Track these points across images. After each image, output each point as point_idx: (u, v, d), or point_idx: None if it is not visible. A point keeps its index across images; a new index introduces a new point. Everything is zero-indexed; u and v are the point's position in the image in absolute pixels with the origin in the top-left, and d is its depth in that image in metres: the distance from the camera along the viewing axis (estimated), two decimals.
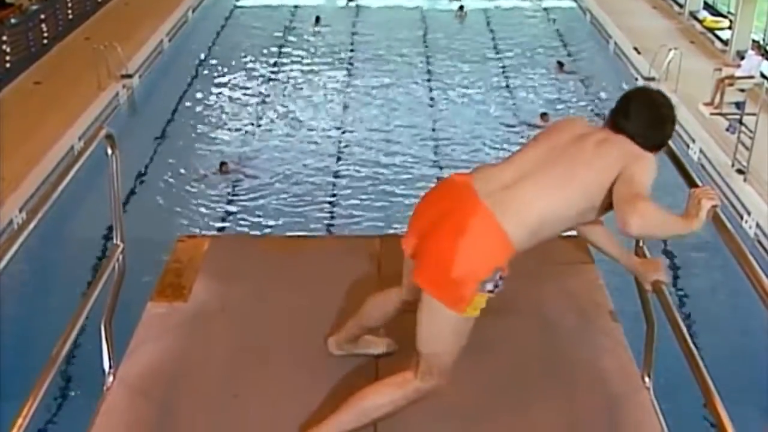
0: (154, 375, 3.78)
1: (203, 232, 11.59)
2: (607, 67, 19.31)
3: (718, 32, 19.52)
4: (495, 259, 3.04)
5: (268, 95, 17.83)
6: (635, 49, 18.76)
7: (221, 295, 4.35)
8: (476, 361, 3.60)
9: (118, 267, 3.76)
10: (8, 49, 16.16)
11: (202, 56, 19.97)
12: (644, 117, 3.24)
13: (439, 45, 20.88)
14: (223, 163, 14.03)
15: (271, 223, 12.41)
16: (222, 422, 3.50)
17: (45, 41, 17.78)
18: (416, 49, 20.57)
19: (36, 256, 10.08)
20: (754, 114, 12.96)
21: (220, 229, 12.30)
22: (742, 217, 12.04)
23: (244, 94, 17.90)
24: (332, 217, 12.71)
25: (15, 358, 7.69)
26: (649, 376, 3.70)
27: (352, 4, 24.11)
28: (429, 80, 18.60)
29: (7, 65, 16.10)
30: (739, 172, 12.75)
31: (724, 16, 20.17)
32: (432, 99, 17.59)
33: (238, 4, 24.06)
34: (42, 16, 17.74)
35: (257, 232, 12.06)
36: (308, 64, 19.61)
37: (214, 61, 19.68)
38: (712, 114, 15.09)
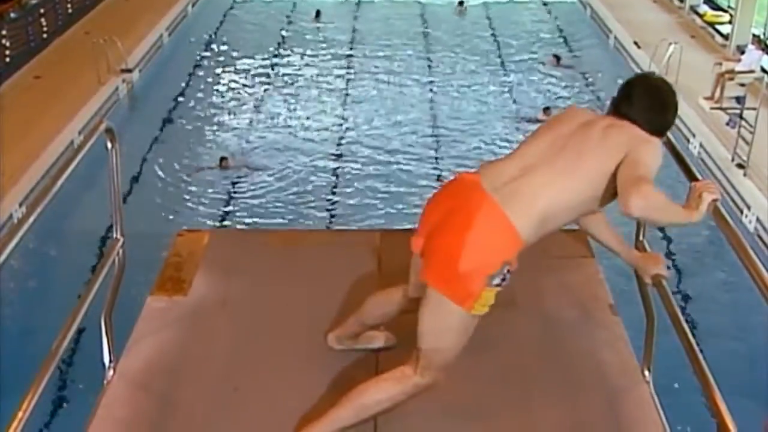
0: (154, 369, 3.78)
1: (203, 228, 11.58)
2: (607, 61, 19.29)
3: (718, 26, 19.49)
4: (503, 253, 3.04)
5: (268, 90, 17.81)
6: (635, 43, 18.73)
7: (221, 289, 4.35)
8: (476, 355, 3.60)
9: (118, 261, 3.76)
10: (8, 44, 16.13)
11: (202, 51, 19.95)
12: (647, 102, 3.24)
13: (439, 40, 20.85)
14: (223, 158, 14.02)
15: (272, 218, 12.40)
16: (222, 416, 3.50)
17: (45, 35, 17.75)
18: (416, 45, 20.54)
19: (36, 250, 10.09)
20: (754, 108, 12.95)
21: (221, 224, 12.30)
22: (742, 212, 12.04)
23: (244, 89, 17.88)
24: (332, 214, 12.69)
25: (15, 352, 7.69)
26: (648, 370, 3.71)
27: None
28: (429, 75, 18.58)
29: (7, 59, 16.07)
30: (739, 166, 12.74)
31: (725, 11, 20.14)
32: (432, 94, 17.57)
33: None
34: (41, 11, 17.70)
35: (257, 227, 12.05)
36: (308, 59, 19.59)
37: (213, 56, 19.66)
38: (712, 108, 15.07)
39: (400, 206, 12.75)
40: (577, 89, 17.83)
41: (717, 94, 15.28)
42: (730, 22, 18.96)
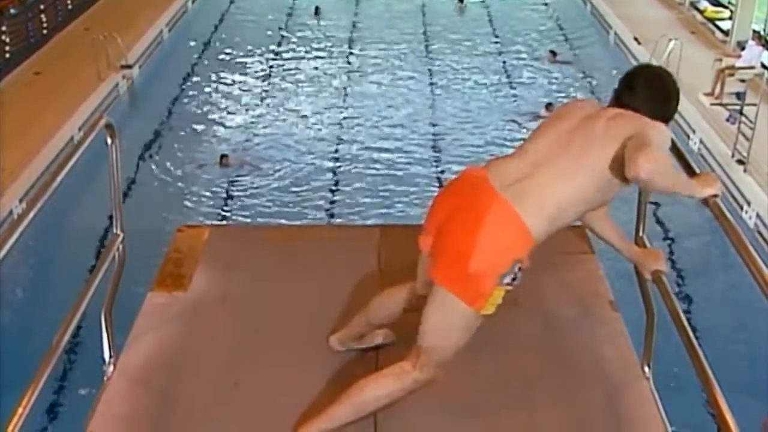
0: (154, 364, 3.78)
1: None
2: (607, 57, 19.28)
3: (718, 22, 19.49)
4: (514, 252, 3.03)
5: (268, 86, 17.81)
6: (635, 39, 18.73)
7: (221, 285, 4.35)
8: (476, 351, 3.60)
9: (118, 256, 3.76)
10: (8, 40, 16.12)
11: (202, 47, 19.94)
12: (650, 92, 3.23)
13: (439, 36, 20.84)
14: (223, 156, 14.01)
15: (272, 216, 12.38)
16: (222, 411, 3.51)
17: (44, 31, 17.75)
18: (416, 41, 20.53)
19: (36, 246, 10.09)
20: (754, 104, 12.95)
21: (221, 221, 12.30)
22: (742, 208, 12.04)
23: (244, 85, 17.87)
24: (332, 211, 12.69)
25: (15, 348, 7.70)
26: (648, 366, 3.71)
27: None
28: (429, 71, 18.57)
29: (7, 55, 16.07)
30: (739, 162, 12.75)
31: (725, 7, 20.13)
32: (432, 90, 17.56)
33: None
34: (41, 7, 17.70)
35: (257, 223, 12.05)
36: (308, 55, 19.58)
37: (213, 52, 19.65)
38: (712, 104, 15.07)
39: (400, 202, 12.75)
40: (578, 85, 17.82)
41: (717, 90, 15.28)
42: (730, 18, 18.96)
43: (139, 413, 3.50)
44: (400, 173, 13.80)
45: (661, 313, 3.44)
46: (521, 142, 3.31)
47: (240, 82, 18.05)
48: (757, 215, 11.75)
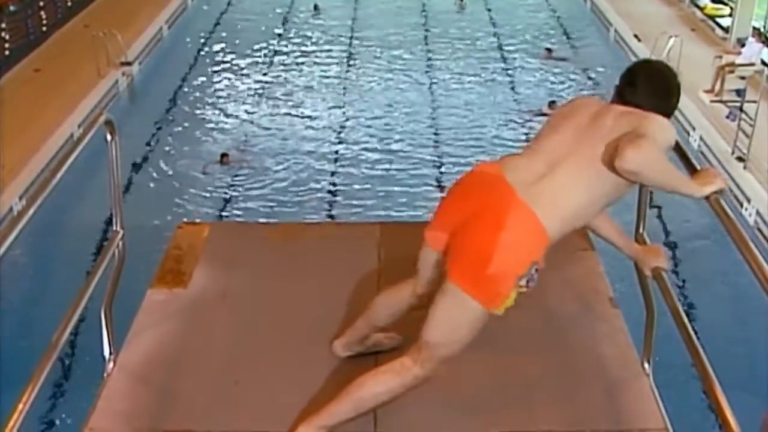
0: (154, 361, 3.78)
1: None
2: (607, 54, 19.27)
3: (718, 19, 19.49)
4: (532, 254, 3.03)
5: (268, 83, 17.80)
6: (636, 36, 18.72)
7: (221, 282, 4.35)
8: (476, 348, 3.60)
9: (118, 253, 3.76)
10: (7, 37, 16.12)
11: (202, 44, 19.94)
12: (651, 88, 3.23)
13: (438, 34, 20.83)
14: (223, 155, 13.99)
15: (272, 215, 12.36)
16: (222, 408, 3.51)
17: (44, 28, 17.75)
18: (416, 38, 20.52)
19: (36, 243, 10.09)
20: (754, 101, 12.96)
21: (220, 217, 12.30)
22: (742, 205, 12.04)
23: (244, 82, 17.87)
24: (332, 209, 12.68)
25: (15, 345, 7.70)
26: (648, 363, 3.71)
27: None
28: (429, 69, 18.57)
29: (7, 53, 16.07)
30: (739, 159, 12.75)
31: (725, 3, 20.13)
32: (432, 87, 17.56)
33: None
34: (41, 3, 17.70)
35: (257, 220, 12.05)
36: (308, 52, 19.57)
37: (213, 49, 19.65)
38: (712, 101, 15.07)
39: (401, 200, 12.75)
40: (578, 83, 17.82)
41: (717, 87, 15.29)
42: (730, 15, 18.96)
43: (139, 410, 3.50)
44: (401, 169, 13.79)
45: (662, 309, 3.45)
46: (523, 138, 3.31)
47: (239, 79, 18.04)
48: (757, 212, 11.75)
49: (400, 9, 22.69)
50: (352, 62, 19.05)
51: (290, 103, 16.73)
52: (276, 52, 19.57)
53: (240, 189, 13.25)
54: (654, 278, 3.47)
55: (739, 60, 16.03)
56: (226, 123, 15.84)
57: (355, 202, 12.77)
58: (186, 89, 17.31)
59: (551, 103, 15.72)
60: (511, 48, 19.85)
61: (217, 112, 16.32)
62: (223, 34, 20.59)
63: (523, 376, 3.69)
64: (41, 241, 10.22)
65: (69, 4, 19.11)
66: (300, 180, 13.50)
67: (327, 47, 19.94)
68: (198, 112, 16.25)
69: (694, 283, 10.42)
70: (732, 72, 15.44)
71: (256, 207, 12.63)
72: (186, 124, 15.64)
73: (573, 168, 3.08)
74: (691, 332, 3.15)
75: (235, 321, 4.07)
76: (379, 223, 5.18)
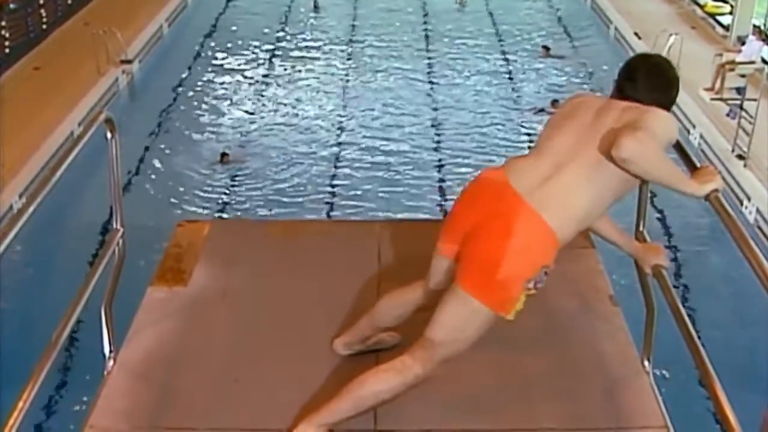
0: (154, 359, 3.78)
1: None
2: (607, 52, 19.25)
3: (719, 17, 19.47)
4: (542, 258, 3.06)
5: (268, 81, 17.80)
6: (636, 34, 18.71)
7: (221, 280, 4.35)
8: (475, 346, 3.60)
9: (118, 251, 3.76)
10: (7, 35, 16.11)
11: (202, 42, 19.93)
12: (651, 82, 3.25)
13: (439, 32, 20.81)
14: (224, 154, 13.98)
15: (273, 215, 12.35)
16: (222, 406, 3.51)
17: (44, 26, 17.74)
18: (417, 37, 20.50)
19: (36, 241, 10.08)
20: (754, 99, 12.95)
21: (220, 215, 12.30)
22: (742, 203, 12.04)
23: (244, 80, 17.86)
24: (332, 208, 12.67)
25: (15, 343, 7.70)
26: (648, 360, 3.71)
27: None
28: (429, 67, 18.55)
29: (7, 51, 16.06)
30: (740, 157, 12.74)
31: (725, 1, 20.11)
32: (432, 86, 17.55)
33: None
34: (41, 1, 17.68)
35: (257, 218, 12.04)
36: (308, 50, 19.56)
37: (213, 47, 19.63)
38: (712, 99, 15.07)
39: (401, 198, 12.75)
40: (578, 80, 17.81)
41: (717, 85, 15.28)
42: (730, 13, 18.94)
43: (139, 408, 3.50)
44: (401, 167, 13.78)
45: (662, 307, 3.45)
46: (524, 136, 3.32)
47: (240, 77, 18.03)
48: (757, 210, 11.75)
49: (400, 7, 22.65)
50: (352, 60, 19.03)
51: (290, 101, 16.72)
52: (276, 50, 19.56)
53: (240, 188, 13.24)
54: (654, 276, 3.47)
55: (739, 58, 16.02)
56: (226, 121, 15.83)
57: (355, 201, 12.76)
58: (186, 87, 17.30)
59: (554, 102, 15.70)
60: (511, 46, 19.83)
61: (217, 110, 16.31)
62: (223, 33, 20.57)
63: (523, 373, 3.69)
64: (41, 239, 10.21)
65: (69, 2, 19.11)
66: (300, 178, 13.49)
67: (327, 45, 19.92)
68: (198, 110, 16.24)
69: (693, 282, 10.42)
70: (732, 70, 15.43)
71: (256, 205, 12.63)
72: (186, 122, 15.63)
73: (579, 168, 3.08)
74: (691, 330, 3.15)
75: (235, 319, 4.07)
76: (380, 221, 5.19)
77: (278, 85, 17.61)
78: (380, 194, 12.94)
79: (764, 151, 12.45)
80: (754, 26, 17.28)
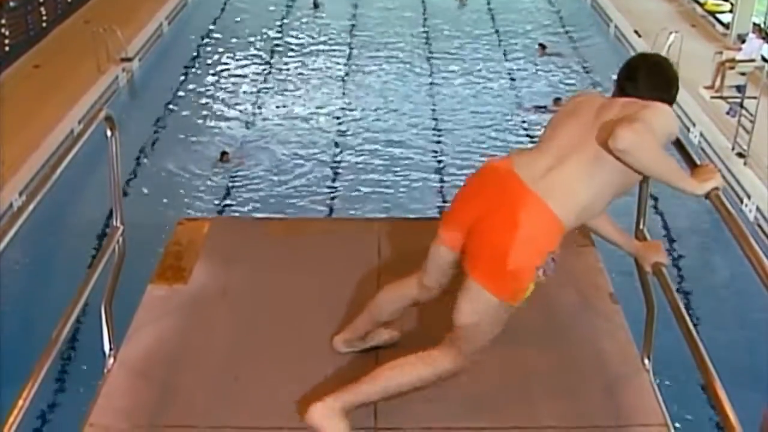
0: (154, 357, 3.78)
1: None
2: (607, 50, 19.25)
3: (719, 15, 19.46)
4: (548, 245, 3.07)
5: (268, 79, 17.79)
6: (636, 32, 18.70)
7: (221, 278, 4.35)
8: None
9: (118, 249, 3.76)
10: (7, 33, 16.10)
11: (202, 40, 19.92)
12: (652, 82, 3.27)
13: (439, 29, 20.80)
14: (223, 153, 13.96)
15: (272, 213, 12.34)
16: (222, 404, 3.51)
17: (44, 24, 17.72)
18: (417, 36, 20.49)
19: (37, 238, 10.09)
20: (754, 97, 12.94)
21: (220, 213, 12.29)
22: (742, 201, 12.03)
23: (244, 78, 17.85)
24: (332, 207, 12.66)
25: (15, 341, 7.70)
26: (648, 359, 3.71)
27: None
28: (429, 66, 18.54)
29: (6, 49, 16.05)
30: (740, 155, 12.74)
31: None
32: (432, 85, 17.54)
33: None
34: (41, 0, 17.68)
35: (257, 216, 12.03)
36: (308, 48, 19.55)
37: (213, 45, 19.62)
38: (712, 97, 15.06)
39: (401, 196, 12.75)
40: (579, 79, 17.80)
41: (717, 83, 15.27)
42: (730, 11, 18.93)
43: (139, 406, 3.50)
44: (402, 165, 13.78)
45: (662, 305, 3.45)
46: (525, 134, 3.33)
47: (240, 75, 18.02)
48: (757, 208, 11.75)
49: (401, 5, 22.62)
50: (352, 58, 19.02)
51: (290, 100, 16.71)
52: (276, 49, 19.55)
53: (240, 187, 13.23)
54: (654, 274, 3.47)
55: (739, 56, 16.01)
56: (226, 119, 15.82)
57: (355, 200, 12.76)
58: (186, 85, 17.29)
59: (556, 100, 15.70)
60: (511, 44, 19.82)
61: (217, 108, 16.30)
62: (223, 31, 20.55)
63: (523, 371, 3.69)
64: (41, 237, 10.21)
65: (69, 0, 19.10)
66: (300, 177, 13.48)
67: (327, 43, 19.90)
68: (198, 108, 16.23)
69: (694, 280, 10.42)
70: (732, 68, 15.42)
71: (256, 204, 12.62)
72: (186, 120, 15.62)
73: (580, 160, 3.10)
74: (691, 328, 3.15)
75: (235, 317, 4.07)
76: (379, 219, 5.19)
77: (278, 84, 17.59)
78: (380, 193, 12.93)
79: (764, 150, 12.44)
80: (754, 24, 17.26)
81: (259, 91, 17.16)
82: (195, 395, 3.57)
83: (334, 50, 19.48)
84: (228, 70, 18.22)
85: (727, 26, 18.59)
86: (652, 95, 3.21)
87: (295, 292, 4.24)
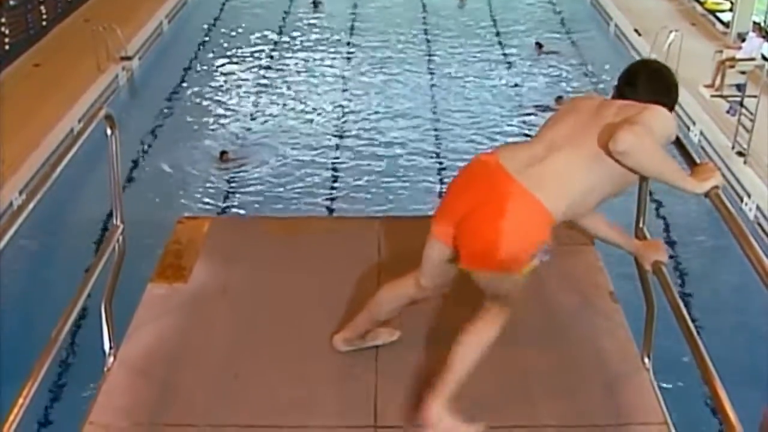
0: (154, 356, 3.78)
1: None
2: (607, 49, 19.25)
3: (719, 14, 19.44)
4: (539, 235, 3.09)
5: (268, 78, 17.78)
6: (636, 30, 18.70)
7: (221, 276, 4.35)
8: None
9: (118, 248, 3.76)
10: (7, 31, 16.09)
11: (202, 39, 19.91)
12: (651, 87, 3.28)
13: (440, 30, 20.79)
14: (223, 152, 13.95)
15: (272, 213, 12.32)
16: (222, 403, 3.51)
17: (44, 23, 17.71)
18: (417, 35, 20.48)
19: (37, 237, 10.09)
20: (754, 96, 12.93)
21: (221, 212, 12.29)
22: (742, 200, 12.03)
23: (244, 77, 17.84)
24: (332, 206, 12.65)
25: (15, 339, 7.70)
26: (648, 357, 3.71)
27: None
28: (429, 65, 18.53)
29: (6, 47, 16.04)
30: (740, 154, 12.73)
31: None
32: (432, 84, 17.53)
33: None
34: None
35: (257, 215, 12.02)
36: (308, 47, 19.55)
37: (213, 44, 19.61)
38: (712, 96, 15.05)
39: (401, 195, 12.74)
40: (579, 77, 17.79)
41: (717, 82, 15.26)
42: (731, 10, 18.92)
43: (139, 404, 3.51)
44: (400, 164, 13.78)
45: (662, 304, 3.45)
46: (525, 133, 3.35)
47: (240, 74, 18.00)
48: (757, 207, 11.74)
49: (401, 5, 22.62)
50: (352, 58, 19.01)
51: (290, 99, 16.70)
52: (276, 47, 19.54)
53: (240, 186, 13.23)
54: (654, 273, 3.47)
55: (739, 55, 16.00)
56: (226, 118, 15.81)
57: (355, 199, 12.75)
58: (186, 84, 17.28)
59: (558, 98, 15.69)
60: (511, 42, 19.81)
61: (217, 107, 16.29)
62: (223, 30, 20.54)
63: (523, 370, 3.69)
64: (41, 235, 10.21)
65: None
66: (300, 176, 13.47)
67: (327, 43, 19.90)
68: (198, 106, 16.22)
69: (693, 278, 10.42)
70: (732, 67, 15.41)
71: (256, 203, 12.61)
72: (186, 119, 15.61)
73: (574, 152, 3.12)
74: (691, 326, 3.15)
75: (235, 315, 4.07)
76: (379, 218, 5.19)
77: (278, 82, 17.57)
78: (380, 191, 12.92)
79: (764, 148, 12.44)
80: (754, 23, 17.24)
81: (258, 91, 17.15)
82: (195, 394, 3.57)
83: (333, 50, 19.47)
84: (228, 69, 18.21)
85: (727, 25, 18.58)
86: (652, 98, 3.22)
87: (295, 290, 4.24)
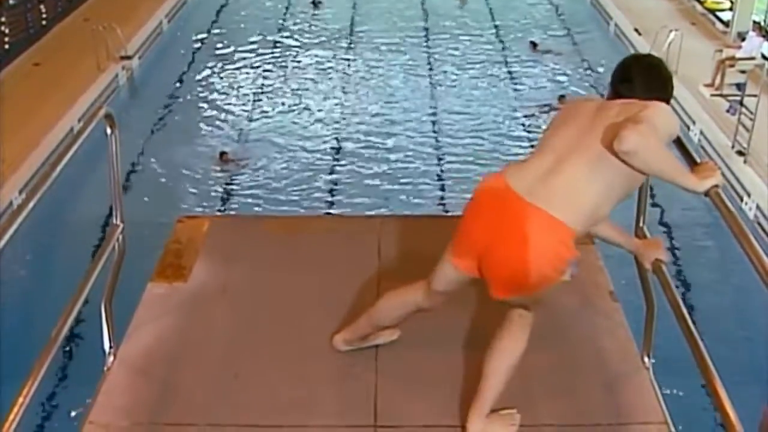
0: (154, 355, 3.78)
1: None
2: (607, 48, 19.24)
3: (719, 13, 19.44)
4: (565, 252, 3.08)
5: (268, 78, 17.77)
6: (636, 30, 18.69)
7: (221, 276, 4.35)
8: (475, 342, 3.61)
9: (118, 247, 3.76)
10: (7, 31, 16.08)
11: (202, 38, 19.91)
12: (647, 83, 3.26)
13: (438, 27, 20.79)
14: (223, 153, 13.93)
15: (272, 212, 12.32)
16: (222, 402, 3.51)
17: (44, 22, 17.70)
18: (417, 34, 20.47)
19: (36, 236, 10.09)
20: (754, 95, 12.93)
21: (221, 211, 12.29)
22: (741, 199, 12.03)
23: (244, 77, 17.84)
24: (332, 205, 12.65)
25: (15, 338, 7.70)
26: (648, 356, 3.71)
27: None
28: (429, 64, 18.52)
29: (6, 46, 16.03)
30: (740, 153, 12.73)
31: None
32: (432, 84, 17.52)
33: None
34: None
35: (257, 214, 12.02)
36: (308, 47, 19.54)
37: (213, 43, 19.60)
38: (712, 95, 15.05)
39: (401, 194, 12.74)
40: (579, 77, 17.79)
41: (717, 81, 15.26)
42: (730, 9, 18.91)
43: (139, 404, 3.51)
44: (400, 164, 13.77)
45: (662, 303, 3.44)
46: (525, 132, 3.33)
47: (239, 73, 18.00)
48: (757, 206, 11.74)
49: (401, 4, 22.60)
50: (352, 57, 19.01)
51: (290, 98, 16.70)
52: (276, 47, 19.53)
53: (239, 186, 13.22)
54: (654, 272, 3.47)
55: (739, 54, 15.99)
56: (226, 117, 15.80)
57: (355, 198, 12.75)
58: (186, 83, 17.28)
59: (561, 97, 15.67)
60: (511, 42, 19.80)
61: (217, 106, 16.28)
62: (223, 29, 20.54)
63: (523, 370, 3.67)
64: (41, 235, 10.21)
65: None
66: (300, 176, 13.47)
67: (327, 42, 19.89)
68: (198, 106, 16.22)
69: (693, 278, 10.42)
70: (732, 66, 15.40)
71: (256, 203, 12.61)
72: (186, 118, 15.61)
73: (580, 161, 3.08)
74: (691, 325, 3.15)
75: (235, 315, 4.07)
76: (380, 217, 5.19)
77: (278, 82, 17.57)
78: (380, 190, 12.92)
79: (764, 147, 12.44)
80: (754, 22, 17.24)
81: (258, 90, 17.15)
82: (195, 393, 3.57)
83: (333, 49, 19.47)
84: (228, 68, 18.21)
85: (727, 24, 18.58)
86: (650, 96, 3.20)
87: (295, 290, 4.24)
